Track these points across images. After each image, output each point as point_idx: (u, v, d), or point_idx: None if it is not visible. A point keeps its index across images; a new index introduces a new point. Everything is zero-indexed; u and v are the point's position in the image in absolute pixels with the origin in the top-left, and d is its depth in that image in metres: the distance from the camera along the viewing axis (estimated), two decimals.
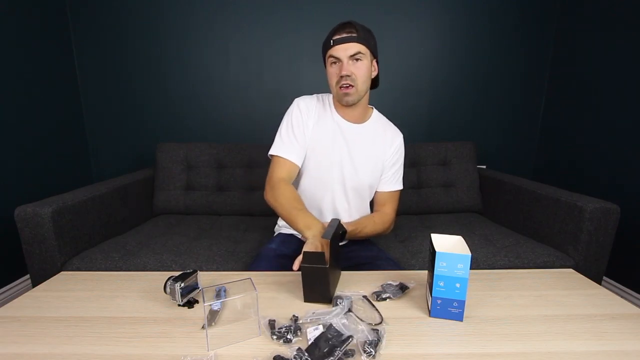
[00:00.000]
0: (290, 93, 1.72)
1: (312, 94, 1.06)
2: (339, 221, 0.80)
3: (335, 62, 0.92)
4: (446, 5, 1.87)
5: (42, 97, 1.71)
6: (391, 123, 1.10)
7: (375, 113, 1.08)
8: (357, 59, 0.90)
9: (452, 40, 1.91)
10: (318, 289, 0.67)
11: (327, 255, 0.67)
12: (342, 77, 0.90)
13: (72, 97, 1.90)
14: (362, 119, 1.03)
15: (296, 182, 1.05)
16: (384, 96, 1.96)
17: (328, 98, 1.05)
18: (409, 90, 1.96)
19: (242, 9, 1.85)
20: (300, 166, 1.00)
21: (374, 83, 1.02)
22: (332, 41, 0.90)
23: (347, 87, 0.91)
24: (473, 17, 1.88)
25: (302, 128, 0.99)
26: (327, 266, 0.65)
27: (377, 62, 0.97)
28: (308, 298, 0.68)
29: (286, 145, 0.98)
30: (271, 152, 0.99)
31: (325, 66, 0.97)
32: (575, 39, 1.80)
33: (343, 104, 0.97)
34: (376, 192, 1.09)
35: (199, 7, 1.85)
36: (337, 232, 0.74)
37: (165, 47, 1.89)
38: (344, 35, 0.89)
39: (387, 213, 1.06)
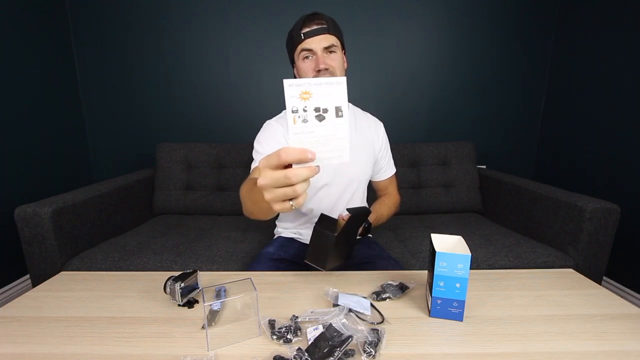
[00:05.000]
0: None
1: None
2: (368, 210, 0.83)
3: (308, 57, 0.87)
4: (446, 5, 1.87)
5: (42, 97, 1.71)
6: (368, 113, 1.10)
7: (351, 107, 1.07)
8: (331, 51, 0.87)
9: (452, 40, 1.91)
10: (319, 252, 0.71)
11: (339, 226, 0.71)
12: (319, 71, 0.86)
13: (72, 97, 1.90)
14: None
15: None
16: (385, 96, 1.96)
17: None
18: (409, 90, 1.96)
19: (243, 9, 1.85)
20: None
21: None
22: (302, 34, 0.85)
23: None
24: (473, 18, 1.89)
25: (277, 143, 0.94)
26: (335, 235, 0.68)
27: (345, 53, 0.95)
28: (308, 257, 0.73)
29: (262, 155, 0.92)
30: (251, 168, 0.93)
31: (294, 62, 0.92)
32: (575, 39, 1.80)
33: None
34: (376, 181, 1.12)
35: (199, 7, 1.85)
36: (360, 212, 0.78)
37: (165, 47, 1.90)
38: (315, 27, 0.84)
39: (393, 194, 1.12)
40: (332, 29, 0.87)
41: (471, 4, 1.87)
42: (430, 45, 1.92)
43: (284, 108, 1.04)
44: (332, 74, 0.87)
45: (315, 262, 0.72)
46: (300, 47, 0.87)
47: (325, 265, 0.71)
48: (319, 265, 0.72)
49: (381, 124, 1.10)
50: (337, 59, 0.88)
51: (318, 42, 0.85)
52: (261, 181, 0.44)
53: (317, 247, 0.72)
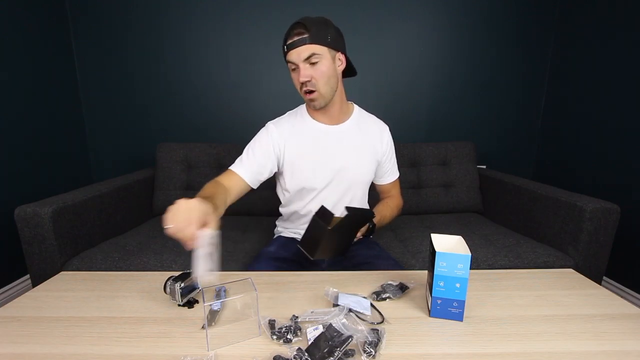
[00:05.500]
0: (290, 93, 1.71)
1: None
2: (372, 214, 0.87)
3: (294, 69, 0.89)
4: (446, 5, 1.87)
5: (42, 97, 1.71)
6: (374, 116, 1.09)
7: (357, 109, 1.05)
8: (313, 62, 0.85)
9: (452, 40, 1.91)
10: (311, 242, 0.75)
11: (335, 221, 0.74)
12: (302, 83, 0.88)
13: (72, 97, 1.90)
14: (342, 118, 1.00)
15: (300, 201, 1.03)
16: (385, 96, 1.96)
17: (301, 108, 1.03)
18: (409, 90, 1.96)
19: (243, 9, 1.85)
20: (251, 186, 0.95)
21: (351, 72, 0.98)
22: (285, 47, 0.86)
23: (309, 92, 0.89)
24: (473, 18, 1.89)
25: (266, 152, 0.96)
26: (329, 228, 0.71)
27: (343, 53, 0.91)
28: (301, 241, 0.77)
29: (244, 163, 0.95)
30: (230, 167, 0.96)
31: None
32: (575, 39, 1.80)
33: (312, 108, 0.95)
34: (380, 184, 1.13)
35: (199, 7, 1.85)
36: (360, 213, 0.81)
37: (165, 47, 1.89)
38: (295, 38, 0.84)
39: (396, 197, 1.15)
40: (315, 37, 0.84)
41: (471, 4, 1.87)
42: (430, 45, 1.92)
43: (284, 108, 1.06)
44: (314, 85, 0.88)
45: (305, 249, 0.75)
46: (286, 59, 0.89)
47: (313, 254, 0.74)
48: (308, 253, 0.75)
49: (386, 128, 1.08)
50: (320, 69, 0.86)
51: (298, 55, 0.85)
52: (172, 216, 0.56)
53: (310, 235, 0.75)
